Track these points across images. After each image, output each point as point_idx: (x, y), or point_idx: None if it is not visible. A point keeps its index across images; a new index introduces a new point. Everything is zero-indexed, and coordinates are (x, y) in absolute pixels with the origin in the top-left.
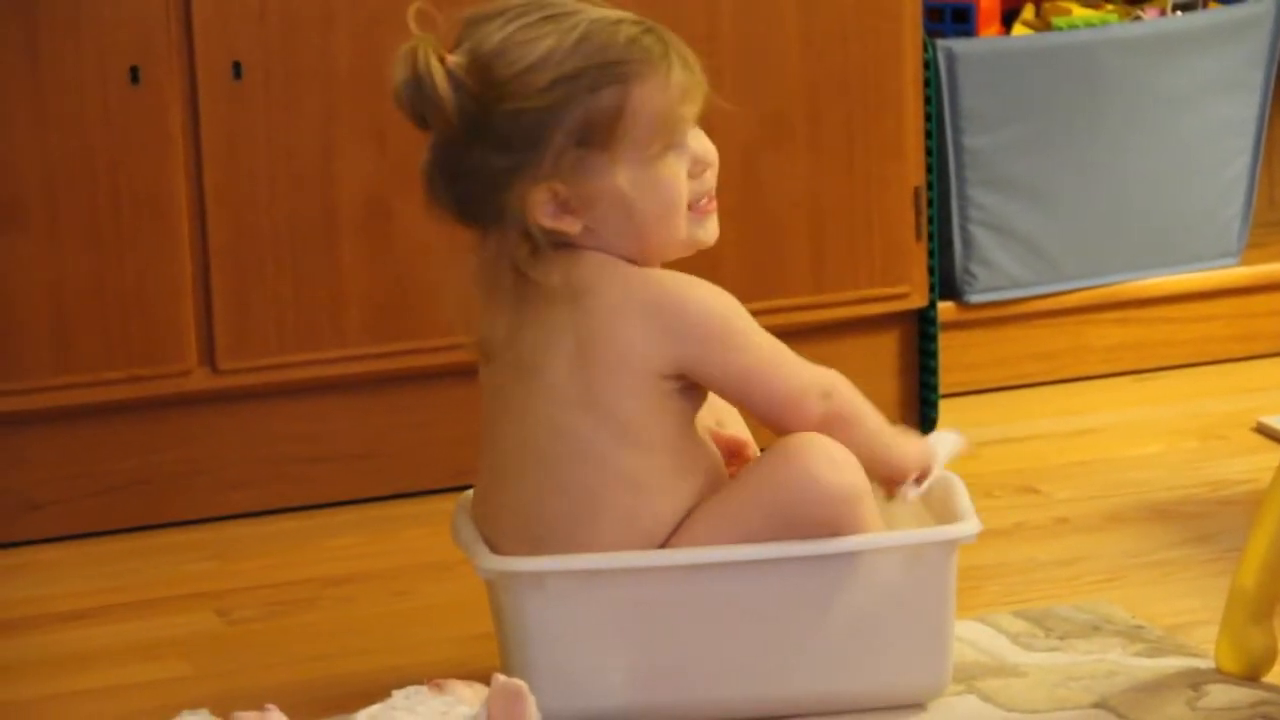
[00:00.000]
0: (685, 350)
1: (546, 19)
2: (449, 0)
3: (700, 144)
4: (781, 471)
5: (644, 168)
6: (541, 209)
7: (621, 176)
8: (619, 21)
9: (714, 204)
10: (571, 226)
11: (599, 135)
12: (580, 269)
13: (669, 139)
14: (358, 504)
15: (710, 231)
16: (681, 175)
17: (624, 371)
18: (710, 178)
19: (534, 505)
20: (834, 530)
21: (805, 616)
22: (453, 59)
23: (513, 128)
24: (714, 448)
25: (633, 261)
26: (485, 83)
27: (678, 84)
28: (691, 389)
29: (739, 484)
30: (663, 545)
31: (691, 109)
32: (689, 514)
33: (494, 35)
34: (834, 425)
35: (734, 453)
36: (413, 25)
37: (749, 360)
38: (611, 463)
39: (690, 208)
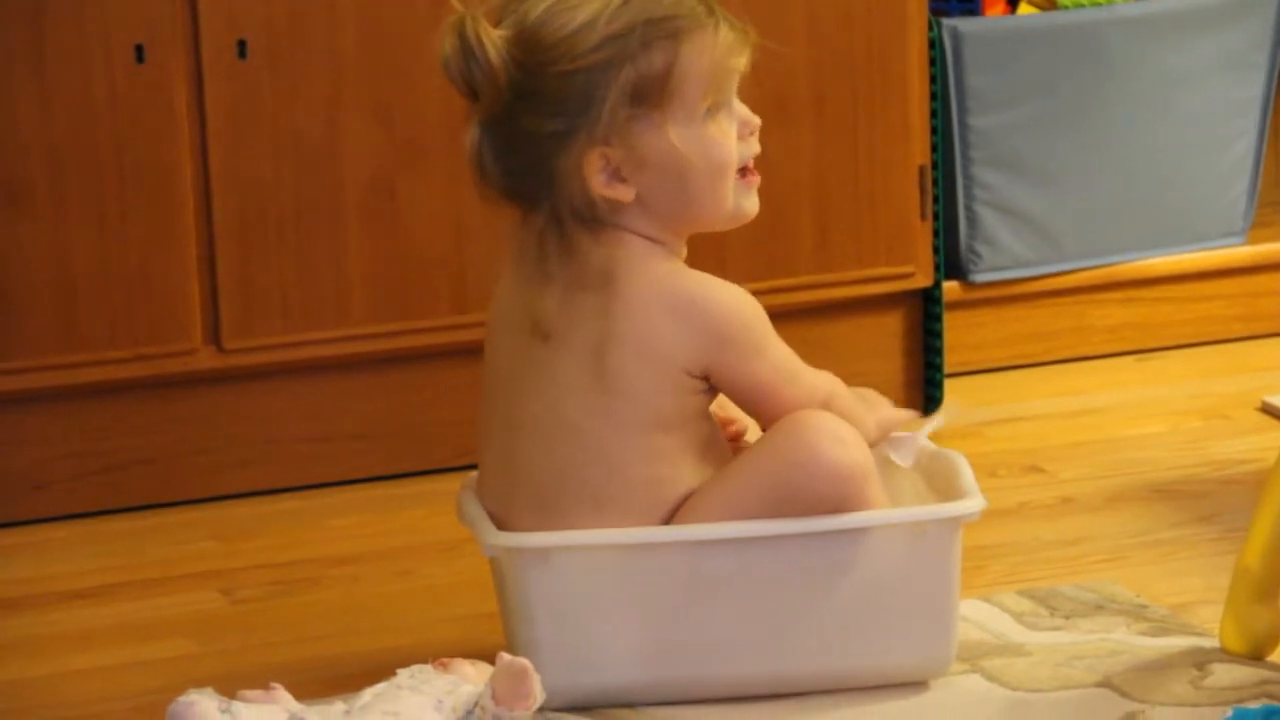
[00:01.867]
0: (707, 350)
1: None
2: None
3: (744, 108)
4: (787, 448)
5: (695, 127)
6: (596, 174)
7: (674, 135)
8: None
9: (757, 175)
10: (625, 195)
11: (651, 93)
12: (618, 253)
13: (719, 95)
14: (362, 483)
15: (753, 203)
16: (732, 135)
17: (650, 363)
18: (755, 142)
19: (557, 478)
20: (839, 507)
21: (810, 593)
22: (499, 32)
23: (566, 89)
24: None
25: (678, 234)
26: (534, 49)
27: (725, 39)
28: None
29: (745, 461)
30: (668, 521)
31: (740, 63)
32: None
33: (537, 7)
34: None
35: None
36: (455, 1)
37: (763, 372)
38: (636, 441)
39: (739, 173)
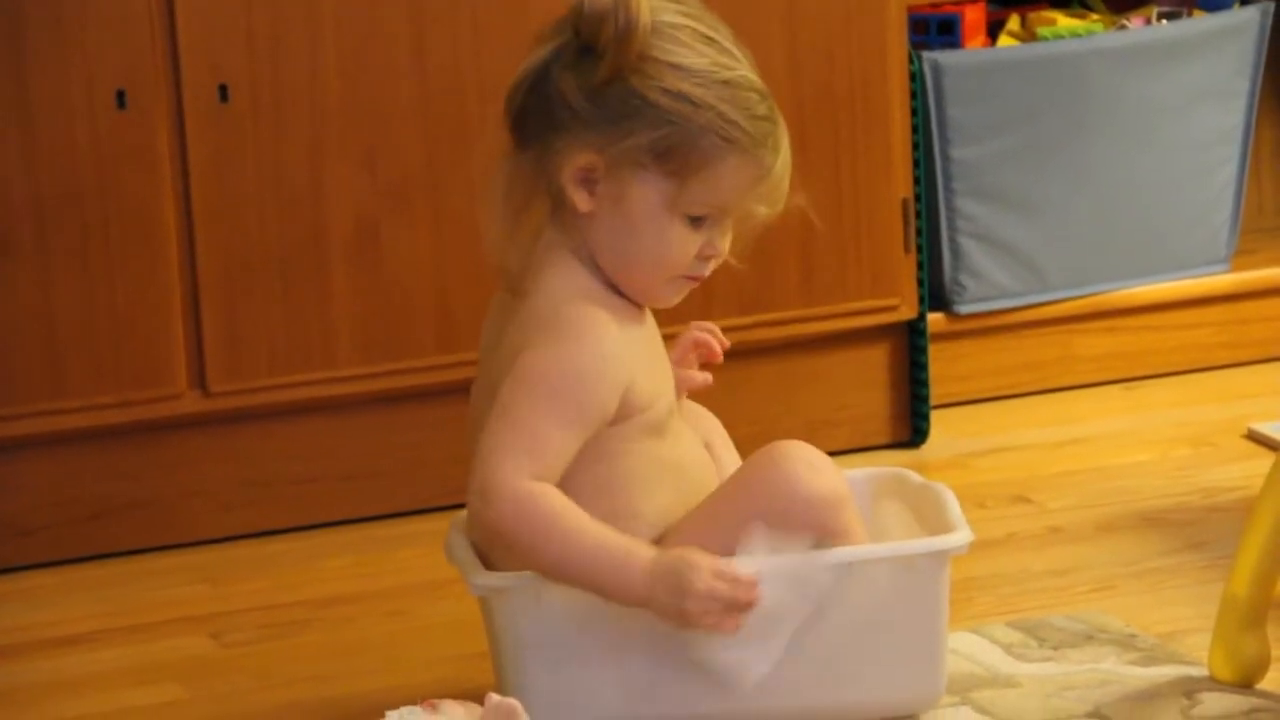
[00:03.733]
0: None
1: (715, 41)
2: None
3: (725, 238)
4: (763, 478)
5: (673, 218)
6: (574, 169)
7: (659, 207)
8: (763, 96)
9: (695, 282)
10: (583, 204)
11: (676, 165)
12: (544, 270)
13: (719, 213)
14: (350, 524)
15: (677, 298)
16: (693, 246)
17: None
18: (710, 268)
19: None
20: (818, 534)
21: (799, 629)
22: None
23: (617, 96)
24: (702, 451)
25: (601, 266)
26: (642, 48)
27: (766, 180)
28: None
29: (723, 492)
30: None
31: (758, 210)
32: (673, 516)
33: (676, 16)
34: (507, 522)
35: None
36: None
37: (505, 408)
38: (578, 473)
39: (675, 277)
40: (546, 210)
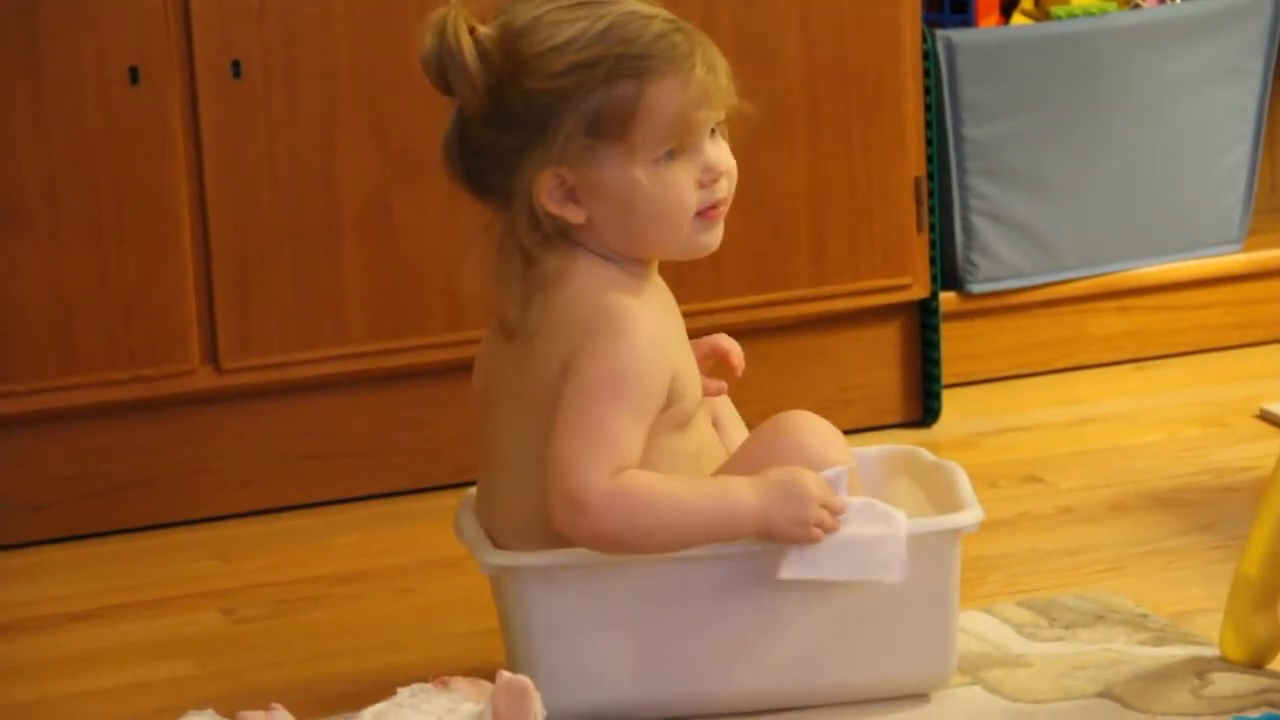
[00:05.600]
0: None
1: (582, 4)
2: None
3: (718, 152)
4: (772, 447)
5: (652, 167)
6: (548, 193)
7: (628, 172)
8: (650, 17)
9: (721, 212)
10: (575, 216)
11: (611, 127)
12: (569, 264)
13: (681, 140)
14: (361, 501)
15: (714, 237)
16: (687, 182)
17: (560, 374)
18: (723, 187)
19: (534, 503)
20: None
21: (809, 607)
22: (483, 30)
23: (525, 107)
24: (710, 431)
25: (630, 257)
26: (509, 58)
27: (698, 86)
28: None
29: (732, 464)
30: None
31: (709, 114)
32: None
33: (528, 12)
34: (607, 522)
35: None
36: None
37: (569, 416)
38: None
39: (696, 214)
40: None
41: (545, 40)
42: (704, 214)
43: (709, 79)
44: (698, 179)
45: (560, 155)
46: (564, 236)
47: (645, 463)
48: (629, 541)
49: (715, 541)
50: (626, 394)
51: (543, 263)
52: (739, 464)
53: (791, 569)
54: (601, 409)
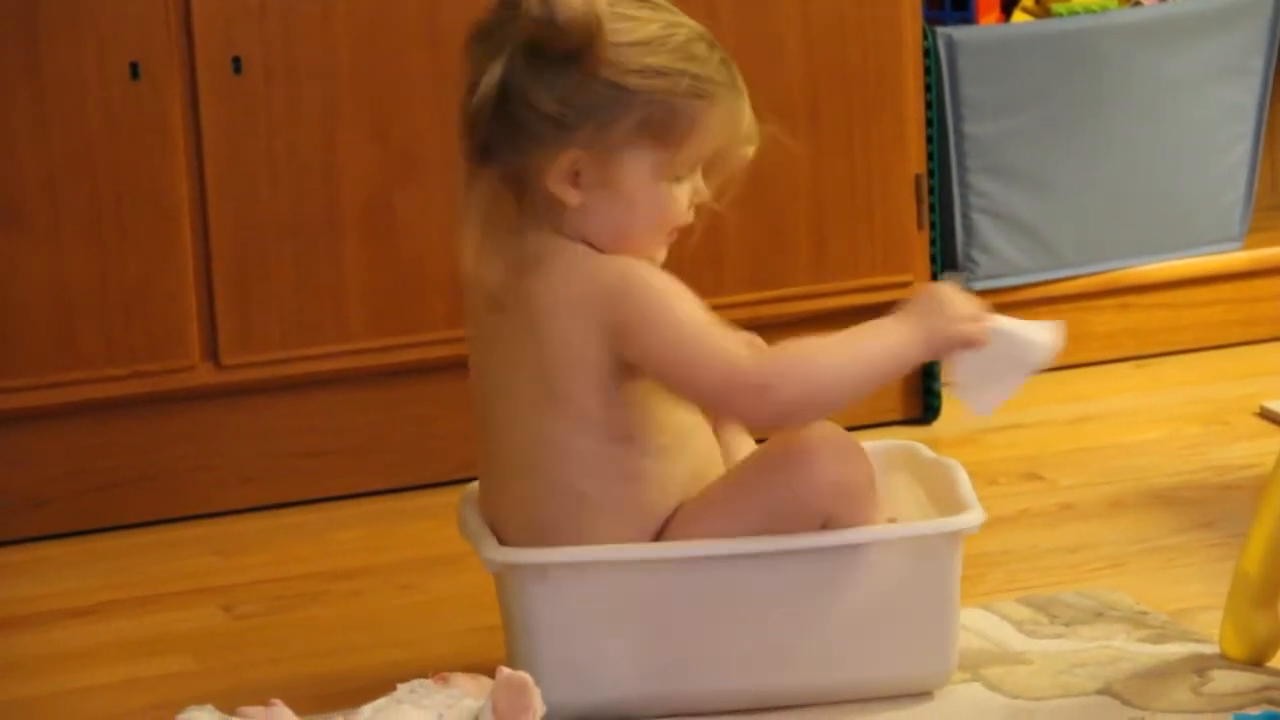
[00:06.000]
0: (613, 335)
1: (645, 3)
2: None
3: (700, 181)
4: (787, 465)
5: (670, 181)
6: (560, 172)
7: (651, 179)
8: (712, 44)
9: (676, 235)
10: (572, 199)
11: (664, 136)
12: (544, 248)
13: (720, 167)
14: (362, 498)
15: (663, 254)
16: (683, 201)
17: (576, 369)
18: (690, 215)
19: (530, 504)
20: (839, 522)
21: (810, 608)
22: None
23: (588, 89)
24: (702, 421)
25: (602, 247)
26: (590, 35)
27: (748, 122)
28: None
29: (742, 474)
30: (662, 532)
31: (748, 150)
32: (684, 500)
33: None
34: (789, 388)
35: None
36: None
37: (675, 350)
38: (594, 459)
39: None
40: (518, 217)
41: (625, 32)
42: (671, 231)
43: (749, 114)
44: (690, 199)
45: (591, 141)
46: (547, 214)
47: (641, 433)
48: (810, 407)
49: (886, 379)
50: (687, 299)
51: (521, 232)
52: (751, 481)
53: (982, 400)
54: (684, 319)
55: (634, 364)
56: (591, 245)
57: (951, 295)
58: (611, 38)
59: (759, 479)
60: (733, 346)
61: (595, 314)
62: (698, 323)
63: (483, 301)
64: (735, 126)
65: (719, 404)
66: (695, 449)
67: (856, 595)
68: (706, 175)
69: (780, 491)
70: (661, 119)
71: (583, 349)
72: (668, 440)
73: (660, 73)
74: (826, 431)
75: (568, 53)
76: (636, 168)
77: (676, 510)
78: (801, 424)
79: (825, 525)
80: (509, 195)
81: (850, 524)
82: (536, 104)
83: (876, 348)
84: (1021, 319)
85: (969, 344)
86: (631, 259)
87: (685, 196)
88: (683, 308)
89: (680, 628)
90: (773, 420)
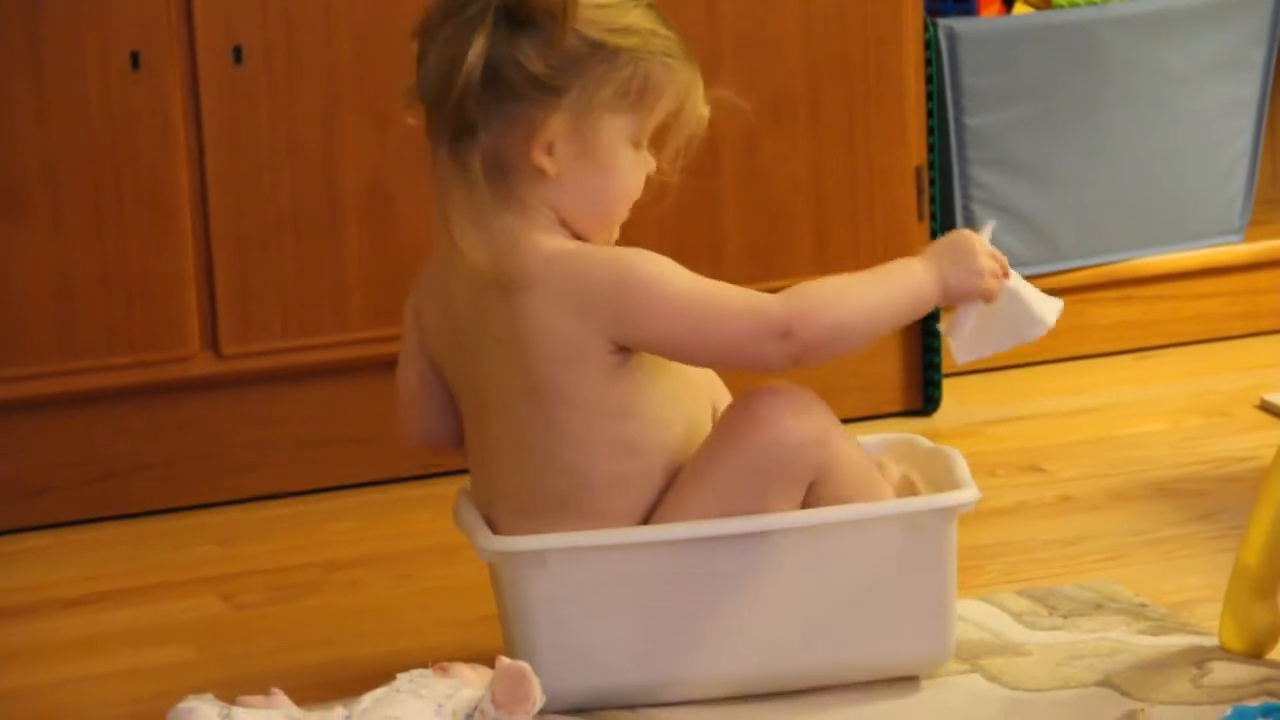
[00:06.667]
0: (617, 328)
1: None
2: None
3: (650, 156)
4: (750, 430)
5: (635, 148)
6: (544, 143)
7: (621, 144)
8: (661, 12)
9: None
10: (550, 168)
11: (638, 99)
12: (521, 238)
13: (679, 130)
14: (361, 488)
15: (617, 232)
16: (645, 172)
17: (575, 365)
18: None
19: (525, 486)
20: (818, 474)
21: (806, 587)
22: None
23: (576, 49)
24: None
25: (576, 223)
26: None
27: (703, 91)
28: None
29: (712, 449)
30: (651, 512)
31: (704, 117)
32: (681, 465)
33: None
34: (813, 328)
35: None
36: None
37: (698, 319)
38: (593, 438)
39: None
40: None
41: None
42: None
43: (699, 80)
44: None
45: (577, 104)
46: (527, 191)
47: (640, 409)
48: (839, 337)
49: (905, 319)
50: (680, 270)
51: (508, 223)
52: (721, 454)
53: (970, 351)
54: (687, 290)
55: (642, 348)
56: (566, 221)
57: (977, 246)
58: None
59: (730, 453)
60: (751, 296)
61: (593, 314)
62: (703, 288)
63: (468, 284)
64: (696, 90)
65: (744, 355)
66: (689, 411)
67: (852, 575)
68: (655, 145)
69: (757, 456)
70: (640, 81)
71: (581, 347)
72: (667, 412)
73: (638, 32)
74: (778, 388)
75: (549, 10)
76: (614, 135)
77: (672, 479)
78: (821, 362)
79: (817, 479)
80: (487, 176)
81: (837, 469)
82: (525, 64)
83: (897, 288)
84: (1034, 286)
85: (983, 298)
86: (615, 250)
87: (648, 166)
88: (681, 279)
89: (674, 611)
90: (796, 361)
